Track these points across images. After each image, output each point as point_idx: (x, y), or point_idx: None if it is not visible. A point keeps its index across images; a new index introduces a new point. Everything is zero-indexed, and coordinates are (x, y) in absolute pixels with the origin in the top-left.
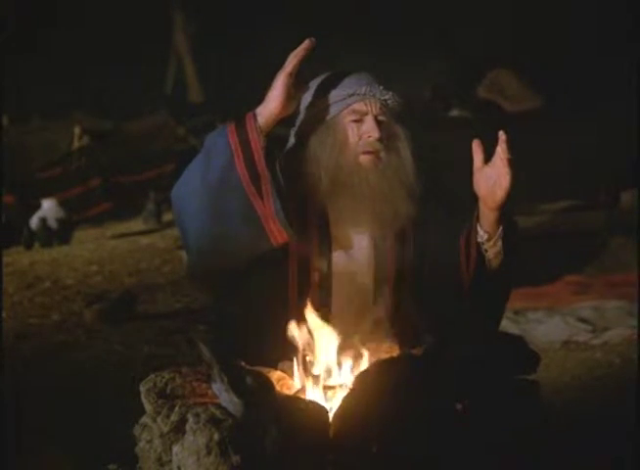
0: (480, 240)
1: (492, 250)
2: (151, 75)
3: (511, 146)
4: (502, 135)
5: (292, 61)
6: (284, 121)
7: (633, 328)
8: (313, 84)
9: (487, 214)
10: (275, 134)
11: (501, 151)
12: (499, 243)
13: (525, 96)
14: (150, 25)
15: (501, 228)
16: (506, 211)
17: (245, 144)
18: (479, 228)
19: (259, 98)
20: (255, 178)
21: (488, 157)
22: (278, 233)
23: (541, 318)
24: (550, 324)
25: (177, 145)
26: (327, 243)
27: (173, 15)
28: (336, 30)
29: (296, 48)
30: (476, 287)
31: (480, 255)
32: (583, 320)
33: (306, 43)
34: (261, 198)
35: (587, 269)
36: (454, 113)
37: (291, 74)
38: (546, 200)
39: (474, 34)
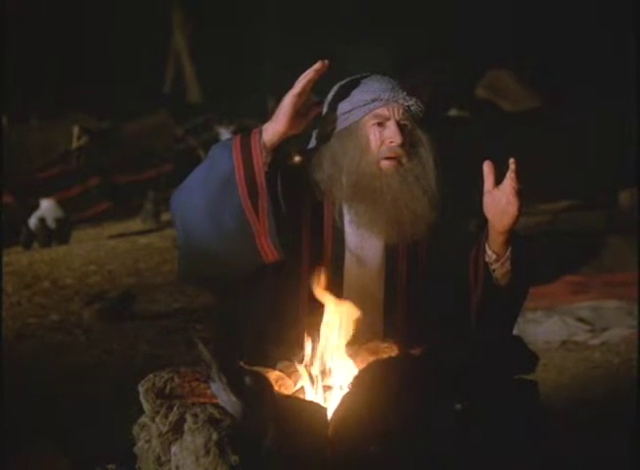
0: (487, 260)
1: (500, 270)
2: (150, 75)
3: (520, 176)
4: (512, 164)
5: (301, 81)
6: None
7: (632, 328)
8: (337, 88)
9: (495, 237)
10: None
11: (510, 180)
12: (507, 264)
13: (524, 96)
14: (149, 25)
15: (509, 250)
16: (516, 234)
17: (247, 159)
18: (487, 248)
19: (256, 100)
20: (254, 194)
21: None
22: (269, 251)
23: (540, 318)
24: (549, 324)
25: (176, 145)
26: (340, 248)
27: (172, 14)
28: (334, 31)
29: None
30: (483, 304)
31: (489, 273)
32: (582, 320)
33: (318, 65)
34: (257, 214)
35: (586, 269)
36: (453, 113)
37: (299, 95)
38: (546, 200)
39: (474, 34)
